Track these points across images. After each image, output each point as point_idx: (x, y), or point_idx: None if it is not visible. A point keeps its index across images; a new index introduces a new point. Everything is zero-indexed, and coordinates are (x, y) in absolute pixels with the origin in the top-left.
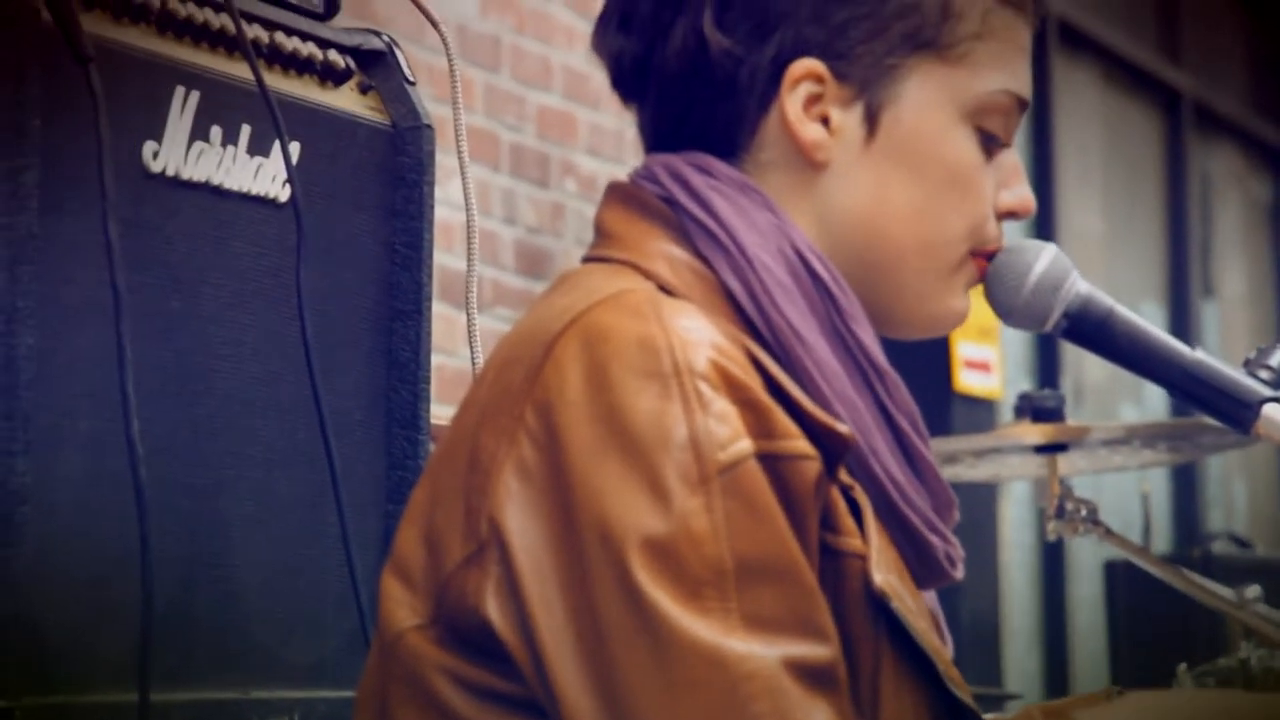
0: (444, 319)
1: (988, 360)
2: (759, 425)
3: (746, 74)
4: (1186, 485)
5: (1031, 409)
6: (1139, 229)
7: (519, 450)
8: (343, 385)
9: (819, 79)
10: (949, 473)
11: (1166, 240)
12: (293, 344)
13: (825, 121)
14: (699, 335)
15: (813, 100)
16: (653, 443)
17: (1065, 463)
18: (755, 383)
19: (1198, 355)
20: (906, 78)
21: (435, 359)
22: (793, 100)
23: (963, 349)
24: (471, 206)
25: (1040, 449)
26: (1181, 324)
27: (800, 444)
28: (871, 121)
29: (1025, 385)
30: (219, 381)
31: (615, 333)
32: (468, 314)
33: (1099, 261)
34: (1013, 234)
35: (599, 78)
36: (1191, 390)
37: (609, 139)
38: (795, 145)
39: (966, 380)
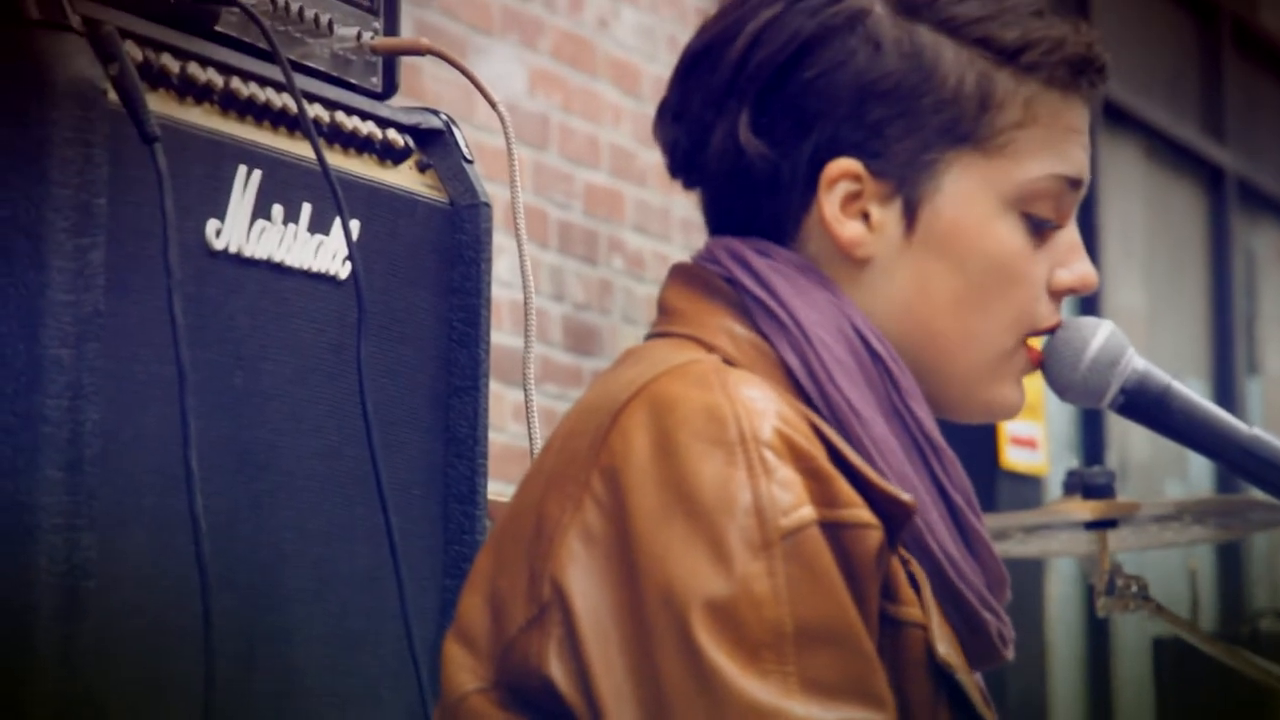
0: (493, 395)
1: (1034, 437)
2: (822, 494)
3: (786, 174)
4: (1232, 562)
5: (1082, 485)
6: (1183, 305)
7: (584, 515)
8: (402, 460)
9: (856, 177)
10: (997, 549)
11: (1210, 316)
12: (353, 419)
13: (866, 217)
14: (764, 405)
15: (851, 198)
16: (717, 508)
17: (1114, 539)
18: (819, 452)
19: (1254, 432)
20: (945, 172)
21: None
22: (830, 200)
23: (1009, 425)
24: (529, 283)
25: (1090, 525)
26: (1226, 400)
27: (863, 513)
28: (910, 217)
29: (1070, 462)
30: (280, 457)
31: (682, 401)
32: (525, 391)
33: (1143, 338)
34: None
35: (645, 156)
36: (1248, 467)
37: (655, 216)
38: (836, 244)
39: (1012, 457)
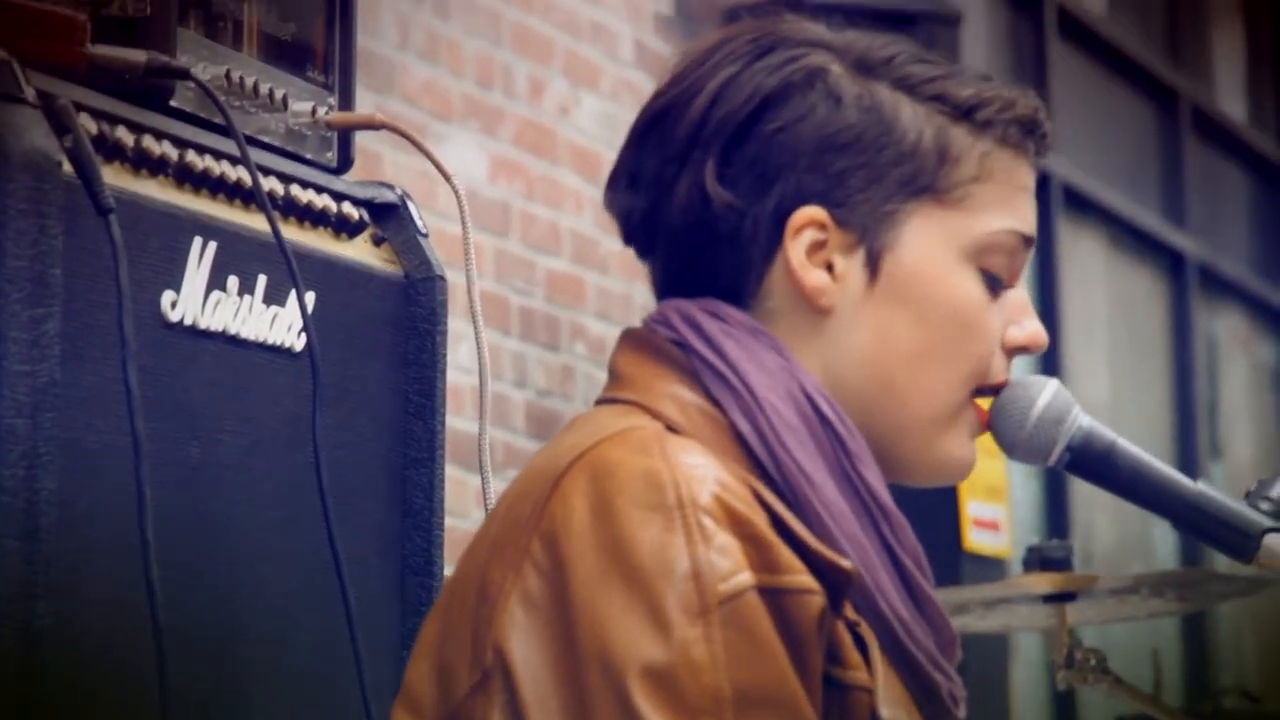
0: (454, 481)
1: (997, 520)
2: (761, 559)
3: (750, 225)
4: (1197, 639)
5: (1040, 559)
6: (1145, 392)
7: (524, 580)
8: (358, 532)
9: (821, 226)
10: (958, 623)
11: (1173, 403)
12: (309, 491)
13: (830, 268)
14: (703, 471)
15: (816, 247)
16: (655, 573)
17: (1074, 612)
18: (759, 518)
19: (1200, 487)
20: (906, 222)
21: (446, 521)
22: (796, 248)
23: (972, 508)
24: (485, 368)
25: (1049, 598)
26: None
27: (803, 578)
28: (873, 266)
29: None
30: (236, 527)
31: (621, 467)
32: (482, 476)
33: (1106, 424)
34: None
35: (607, 243)
36: (1194, 521)
37: (618, 303)
38: (800, 291)
39: (976, 539)
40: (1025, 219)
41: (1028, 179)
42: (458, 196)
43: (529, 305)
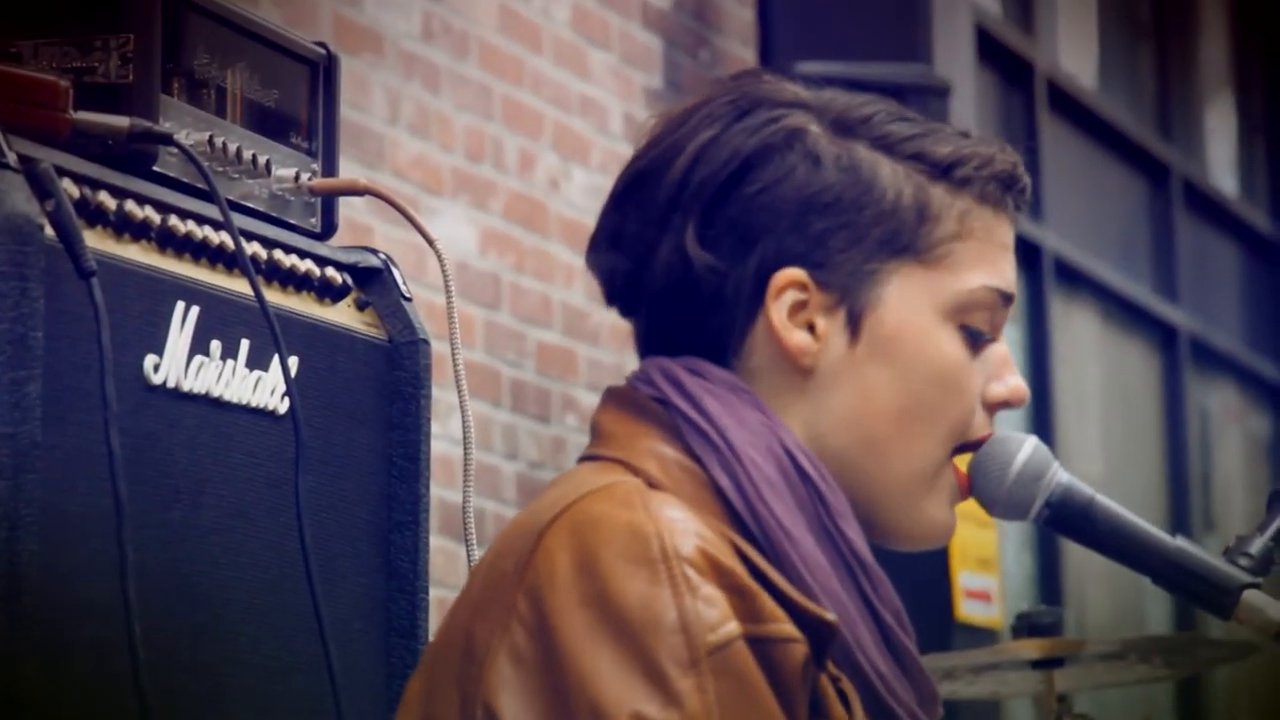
0: (443, 552)
1: (988, 590)
2: (745, 609)
3: (732, 286)
4: (1191, 706)
5: (1029, 625)
6: (1139, 465)
7: (511, 637)
8: (342, 595)
9: (803, 286)
10: (947, 690)
11: (1166, 476)
12: (292, 554)
13: (811, 328)
14: (685, 525)
15: (798, 307)
16: (644, 627)
17: (1063, 678)
18: (740, 569)
19: (1178, 543)
20: (887, 281)
21: (436, 592)
22: (777, 308)
23: (964, 579)
24: (470, 439)
25: (1037, 664)
26: None
27: (787, 627)
28: (855, 326)
29: None
30: (219, 590)
31: (604, 521)
32: (466, 546)
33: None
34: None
35: (598, 314)
36: (1173, 577)
37: (609, 374)
38: (782, 351)
39: (967, 610)
40: (1005, 276)
41: (1007, 235)
42: (439, 259)
43: (520, 377)
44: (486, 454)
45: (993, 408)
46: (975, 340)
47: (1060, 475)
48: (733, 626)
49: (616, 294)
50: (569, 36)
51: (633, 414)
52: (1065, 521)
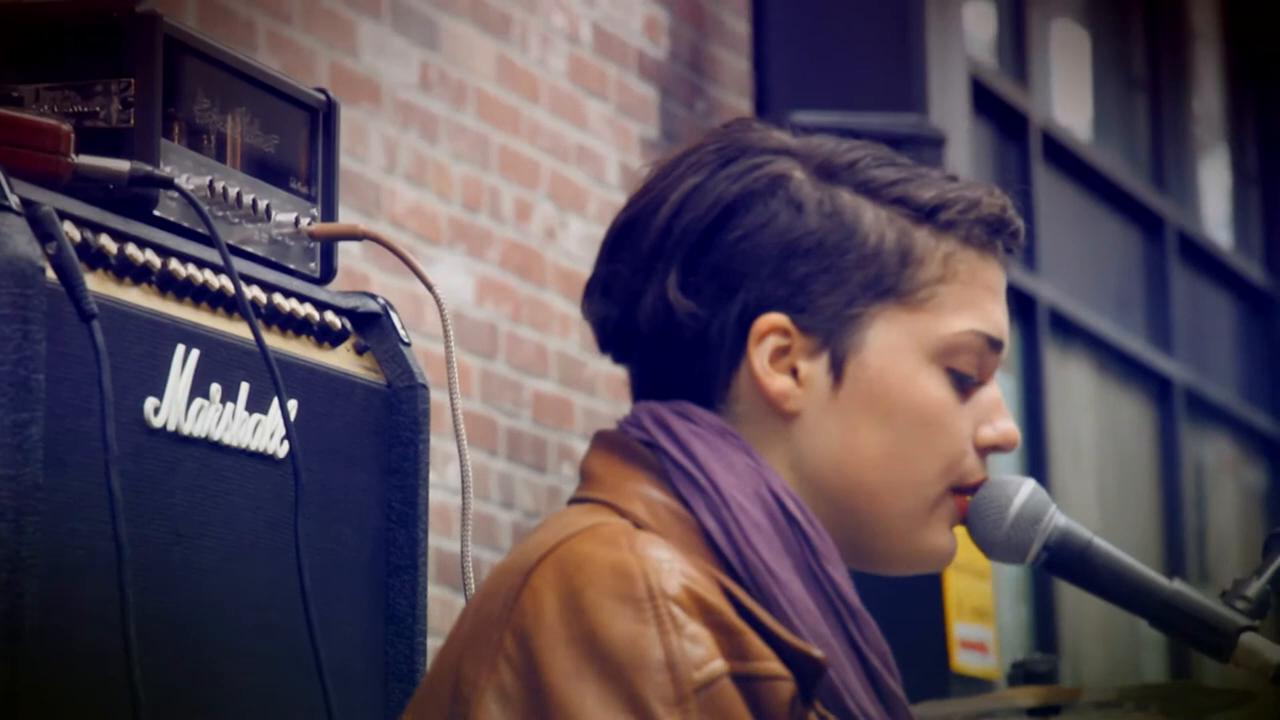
0: (439, 600)
1: (984, 641)
2: (731, 647)
3: (715, 333)
4: None
5: (1025, 673)
6: (1134, 517)
7: (498, 676)
8: (340, 639)
9: (784, 332)
10: None
11: (1162, 528)
12: (291, 597)
13: (795, 372)
14: (671, 564)
15: (780, 353)
16: (630, 665)
17: None
18: (727, 607)
19: (1175, 586)
20: (869, 325)
21: (431, 640)
22: (759, 354)
23: (959, 630)
24: (468, 487)
25: (1033, 712)
26: None
27: (773, 665)
28: (838, 370)
29: None
30: (219, 633)
31: (590, 560)
32: (465, 594)
33: None
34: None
35: (594, 364)
36: (1170, 620)
37: (605, 423)
38: (765, 397)
39: (964, 660)
40: (991, 319)
41: (995, 278)
42: (437, 302)
43: (516, 426)
44: (483, 503)
45: (984, 451)
46: (963, 383)
47: (1058, 518)
48: (719, 664)
49: (608, 341)
50: (566, 87)
51: (621, 457)
52: (1063, 564)
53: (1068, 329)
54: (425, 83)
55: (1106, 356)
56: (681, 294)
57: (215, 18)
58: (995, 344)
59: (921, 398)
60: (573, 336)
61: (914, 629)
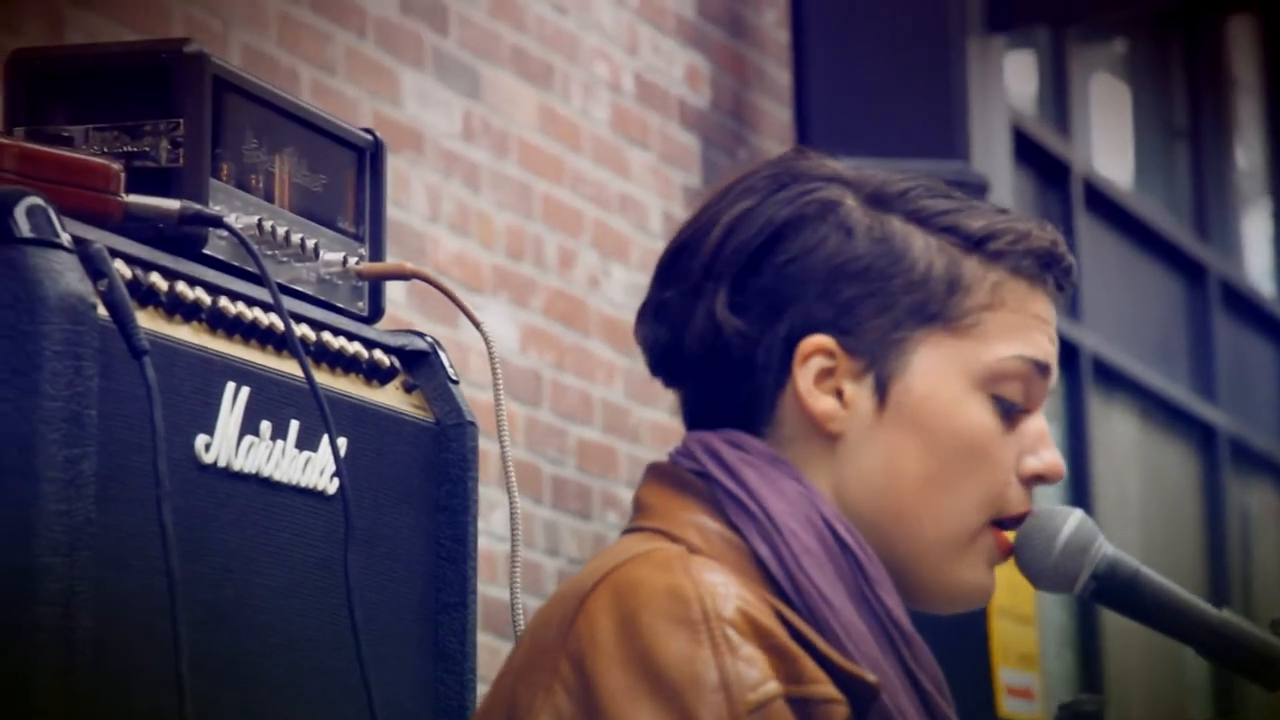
0: (487, 647)
1: (1030, 687)
2: (786, 670)
3: (762, 354)
4: None
5: (1071, 714)
6: (1180, 565)
7: (554, 699)
8: (391, 675)
9: (830, 354)
10: None
11: (1207, 576)
12: (341, 633)
13: (840, 394)
14: (725, 588)
15: (825, 374)
16: (685, 686)
17: None
18: (781, 631)
19: (1224, 615)
20: (915, 350)
21: (482, 687)
22: (804, 375)
23: (1005, 676)
24: (518, 530)
25: None
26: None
27: (828, 689)
28: (882, 393)
29: None
30: (270, 669)
31: (645, 584)
32: (515, 637)
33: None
34: None
35: (638, 411)
36: (1220, 649)
37: None
38: (809, 417)
39: (1010, 707)
40: (1039, 346)
41: (1044, 308)
42: (485, 338)
43: (561, 474)
44: (528, 550)
45: (1028, 482)
46: (1009, 412)
47: (1106, 548)
48: (773, 686)
49: (659, 365)
50: (608, 136)
51: (674, 488)
52: (1111, 593)
53: (1111, 378)
54: (468, 132)
55: (1150, 405)
56: (730, 314)
57: (260, 67)
58: (1043, 369)
59: (965, 424)
60: (617, 384)
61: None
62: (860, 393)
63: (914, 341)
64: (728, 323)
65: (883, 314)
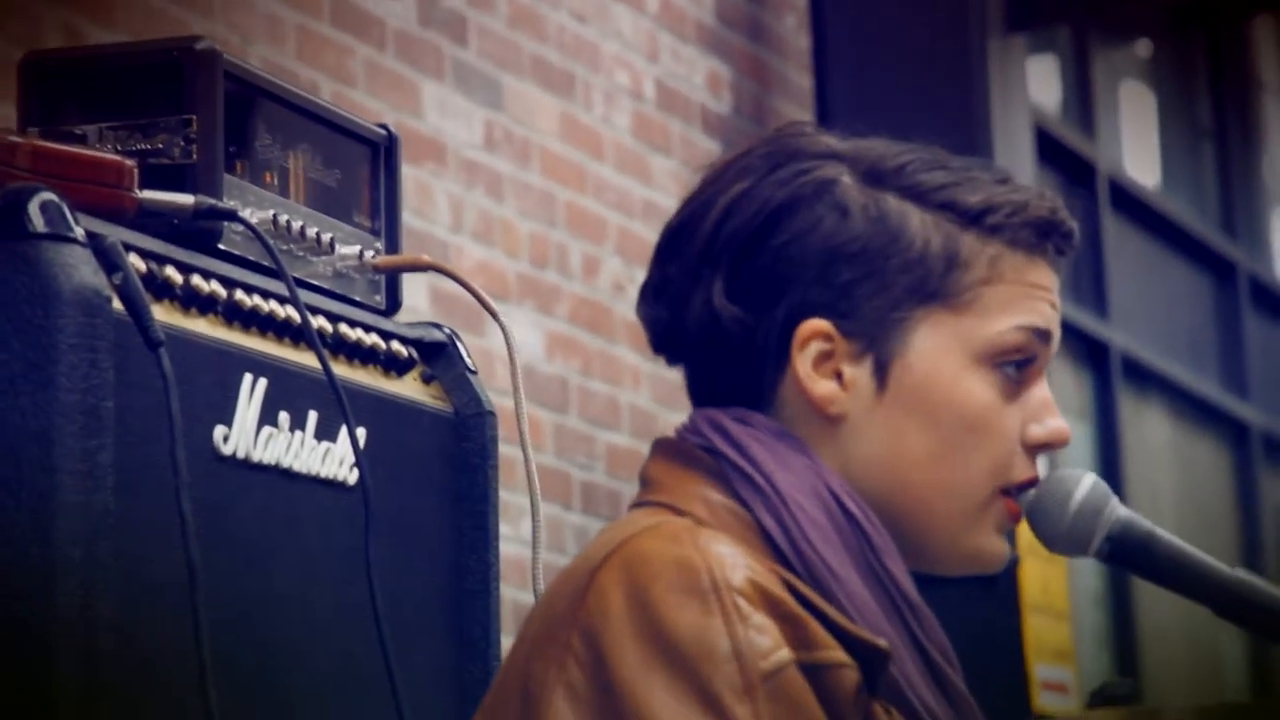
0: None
1: (1065, 682)
2: (796, 637)
3: (760, 337)
4: None
5: (1105, 696)
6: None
7: (567, 674)
8: (414, 663)
9: (828, 337)
10: None
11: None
12: (364, 622)
13: (839, 376)
14: (734, 558)
15: (824, 357)
16: (698, 656)
17: None
18: (790, 599)
19: (1239, 574)
20: (914, 329)
21: None
22: (803, 359)
23: (1040, 671)
24: (539, 538)
25: None
26: (1261, 653)
27: (838, 654)
28: (882, 374)
29: None
30: (292, 659)
31: (654, 556)
32: None
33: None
34: None
35: (666, 416)
36: (1236, 608)
37: None
38: (810, 401)
39: (1045, 701)
40: (1039, 313)
41: (1043, 276)
42: (505, 336)
43: (590, 480)
44: (559, 556)
45: (1033, 450)
46: (1016, 381)
47: (1119, 509)
48: (785, 653)
49: (660, 344)
50: (630, 143)
51: (680, 462)
52: (1126, 555)
53: (1142, 376)
54: (490, 142)
55: (1181, 403)
56: (727, 300)
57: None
58: (1044, 336)
59: (966, 400)
60: (644, 389)
61: (995, 671)
62: (860, 374)
63: (913, 321)
64: (725, 310)
65: (880, 295)
